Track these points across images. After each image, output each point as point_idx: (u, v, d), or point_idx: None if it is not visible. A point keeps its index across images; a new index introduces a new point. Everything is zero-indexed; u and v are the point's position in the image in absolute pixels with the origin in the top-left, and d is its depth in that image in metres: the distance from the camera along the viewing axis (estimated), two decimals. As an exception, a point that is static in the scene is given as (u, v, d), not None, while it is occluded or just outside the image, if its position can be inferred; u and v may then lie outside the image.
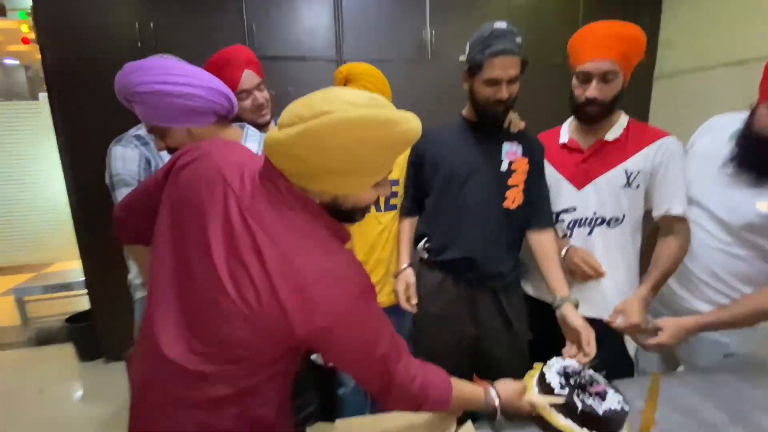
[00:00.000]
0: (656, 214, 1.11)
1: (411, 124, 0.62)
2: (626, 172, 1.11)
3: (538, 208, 1.19)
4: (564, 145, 1.21)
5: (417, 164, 1.26)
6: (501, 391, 0.79)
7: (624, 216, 1.13)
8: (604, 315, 1.06)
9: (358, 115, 0.57)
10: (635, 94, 2.73)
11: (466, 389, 0.77)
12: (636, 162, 1.10)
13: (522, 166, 1.15)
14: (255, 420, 0.67)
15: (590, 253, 1.15)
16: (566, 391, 0.79)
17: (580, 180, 1.16)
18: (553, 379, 0.82)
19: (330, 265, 0.62)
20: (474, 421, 0.80)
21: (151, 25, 2.06)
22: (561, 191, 1.20)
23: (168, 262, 0.67)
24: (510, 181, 1.15)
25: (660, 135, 1.12)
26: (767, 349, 1.09)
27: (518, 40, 1.03)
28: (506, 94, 1.06)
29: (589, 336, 0.96)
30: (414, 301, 1.21)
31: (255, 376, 0.65)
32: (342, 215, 0.68)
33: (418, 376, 0.69)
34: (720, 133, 1.11)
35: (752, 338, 1.07)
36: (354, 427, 0.82)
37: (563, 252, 1.18)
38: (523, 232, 1.21)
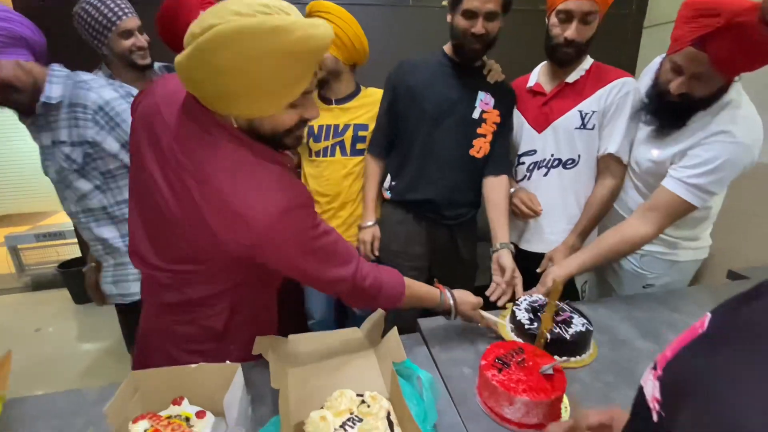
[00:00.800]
0: (598, 154, 1.15)
1: (312, 30, 0.54)
2: (581, 113, 1.12)
3: (496, 156, 1.22)
4: (530, 89, 1.22)
5: (392, 96, 1.26)
6: (457, 295, 0.87)
7: (579, 156, 1.15)
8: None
9: (239, 26, 0.51)
10: (624, 42, 2.67)
11: (421, 288, 0.84)
12: (590, 103, 1.12)
13: (492, 118, 1.17)
14: (207, 329, 0.75)
15: (531, 195, 1.20)
16: (535, 325, 0.86)
17: (540, 123, 1.18)
18: (523, 316, 0.89)
19: (254, 183, 0.61)
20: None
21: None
22: (522, 134, 1.22)
23: (132, 183, 0.74)
24: (479, 130, 1.17)
25: (618, 76, 1.12)
26: (680, 283, 1.19)
27: None
28: (482, 28, 1.05)
29: (513, 276, 1.03)
30: (377, 253, 1.29)
31: (205, 288, 0.70)
32: (268, 141, 0.65)
33: (370, 274, 0.73)
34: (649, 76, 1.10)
35: (668, 271, 1.15)
36: (302, 341, 0.90)
37: (510, 192, 1.23)
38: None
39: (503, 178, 1.21)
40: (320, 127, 1.34)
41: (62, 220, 3.11)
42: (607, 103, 1.10)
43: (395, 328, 0.78)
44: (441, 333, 0.93)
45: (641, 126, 1.10)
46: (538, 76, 1.22)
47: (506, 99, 1.20)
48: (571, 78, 1.15)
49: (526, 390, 0.65)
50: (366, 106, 1.38)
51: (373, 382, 0.75)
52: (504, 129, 1.21)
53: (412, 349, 0.87)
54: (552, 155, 1.18)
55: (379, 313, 0.88)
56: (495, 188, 1.20)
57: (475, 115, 1.17)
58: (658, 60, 1.12)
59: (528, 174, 1.23)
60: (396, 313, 0.93)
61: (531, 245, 1.25)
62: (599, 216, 1.17)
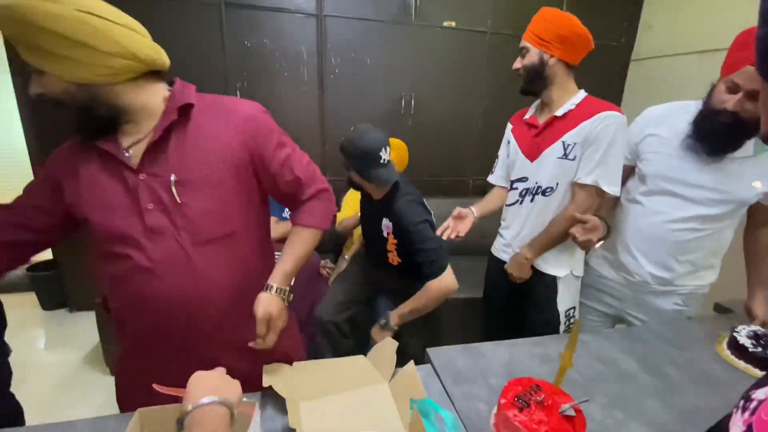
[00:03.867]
0: (573, 180, 1.18)
1: None
2: (564, 144, 1.17)
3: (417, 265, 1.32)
4: (525, 121, 1.30)
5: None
6: None
7: (557, 184, 1.20)
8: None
9: None
10: (612, 74, 2.79)
11: None
12: (573, 134, 1.15)
13: (392, 239, 1.41)
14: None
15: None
16: (759, 348, 0.99)
17: (532, 153, 1.25)
18: (746, 341, 1.02)
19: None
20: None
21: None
22: (517, 162, 1.30)
23: None
24: (388, 246, 1.44)
25: (603, 109, 1.13)
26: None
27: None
28: None
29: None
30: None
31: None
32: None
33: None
34: (677, 121, 1.13)
35: (698, 304, 1.22)
36: (310, 369, 0.88)
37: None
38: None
39: (428, 284, 1.32)
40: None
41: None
42: (589, 134, 1.13)
43: (412, 362, 0.77)
44: (451, 364, 0.92)
45: (682, 155, 1.11)
46: (534, 109, 1.31)
47: (400, 223, 1.33)
48: (560, 111, 1.19)
49: None
50: None
51: (391, 422, 0.74)
52: (405, 245, 1.37)
53: (425, 381, 0.86)
54: (536, 183, 1.24)
55: (390, 343, 0.87)
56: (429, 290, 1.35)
57: (384, 234, 1.44)
58: (657, 109, 1.22)
59: (520, 199, 1.30)
60: (402, 342, 0.92)
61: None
62: (555, 234, 1.20)
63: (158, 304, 0.77)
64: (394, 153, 1.98)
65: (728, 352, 1.03)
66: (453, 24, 2.37)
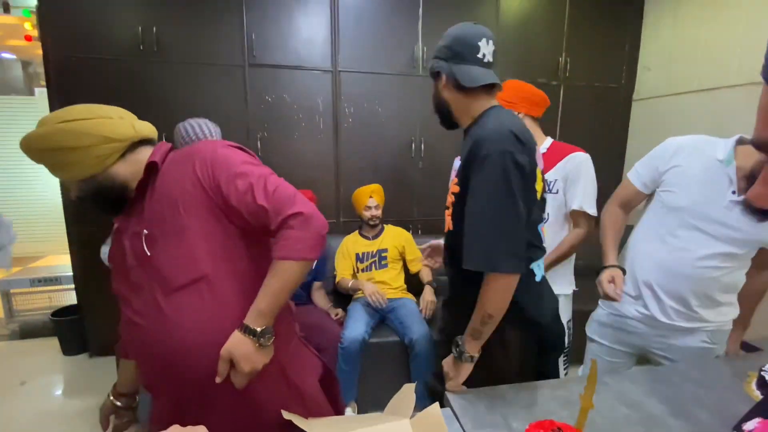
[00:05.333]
0: (566, 211, 1.47)
1: None
2: (545, 181, 1.32)
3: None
4: None
5: None
6: None
7: (548, 215, 1.46)
8: None
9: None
10: (615, 114, 2.88)
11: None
12: (551, 174, 1.46)
13: (454, 183, 1.00)
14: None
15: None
16: None
17: None
18: None
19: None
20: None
21: (154, 29, 2.14)
22: None
23: None
24: (448, 200, 1.03)
25: (571, 151, 1.46)
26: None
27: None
28: None
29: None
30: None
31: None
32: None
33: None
34: (705, 155, 1.13)
35: (723, 342, 1.21)
36: (324, 425, 0.88)
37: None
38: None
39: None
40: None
41: (55, 263, 3.04)
42: (566, 171, 1.44)
43: (437, 403, 0.78)
44: (471, 407, 0.92)
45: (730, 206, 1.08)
46: None
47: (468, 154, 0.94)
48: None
49: (573, 477, 0.64)
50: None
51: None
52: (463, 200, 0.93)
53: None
54: None
55: (408, 388, 0.88)
56: None
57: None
58: (680, 140, 1.21)
59: None
60: (418, 384, 0.93)
61: None
62: (565, 255, 1.46)
63: (145, 355, 0.83)
64: (377, 196, 2.23)
65: (758, 392, 1.00)
66: (459, 74, 2.52)
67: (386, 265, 2.21)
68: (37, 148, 0.76)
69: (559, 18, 2.67)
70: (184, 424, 0.66)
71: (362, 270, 2.21)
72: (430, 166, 2.60)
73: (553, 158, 1.46)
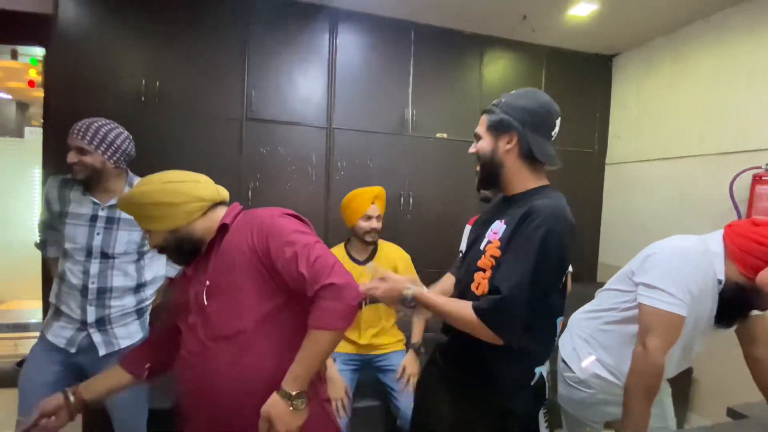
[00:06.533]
0: None
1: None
2: None
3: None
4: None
5: None
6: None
7: None
8: None
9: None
10: (590, 177, 3.08)
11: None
12: None
13: (494, 245, 0.94)
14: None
15: None
16: None
17: None
18: None
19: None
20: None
21: (157, 82, 2.25)
22: None
23: None
24: (481, 261, 0.96)
25: None
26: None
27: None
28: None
29: None
30: None
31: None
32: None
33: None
34: (708, 278, 1.10)
35: None
36: None
37: None
38: None
39: None
40: None
41: (21, 306, 2.89)
42: None
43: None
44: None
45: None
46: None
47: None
48: None
49: None
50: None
51: None
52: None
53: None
54: None
55: None
56: None
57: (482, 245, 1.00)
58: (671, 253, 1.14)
59: None
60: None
61: None
62: None
63: (187, 388, 0.94)
64: (380, 203, 1.83)
65: None
66: (445, 135, 2.70)
67: (377, 301, 1.78)
68: (140, 202, 0.90)
69: (535, 85, 2.90)
70: None
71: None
72: (417, 219, 2.68)
73: None
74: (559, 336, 1.41)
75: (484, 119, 1.00)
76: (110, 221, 1.40)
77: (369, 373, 1.87)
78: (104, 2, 2.19)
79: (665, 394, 1.28)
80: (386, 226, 2.47)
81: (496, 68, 2.85)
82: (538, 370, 0.97)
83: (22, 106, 5.76)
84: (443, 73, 2.73)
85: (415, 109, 2.65)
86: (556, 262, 0.86)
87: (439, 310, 0.95)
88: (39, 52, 2.55)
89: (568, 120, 2.99)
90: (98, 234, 1.38)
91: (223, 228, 0.95)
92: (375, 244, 1.79)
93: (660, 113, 2.70)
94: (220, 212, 0.98)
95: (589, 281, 2.99)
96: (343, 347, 1.82)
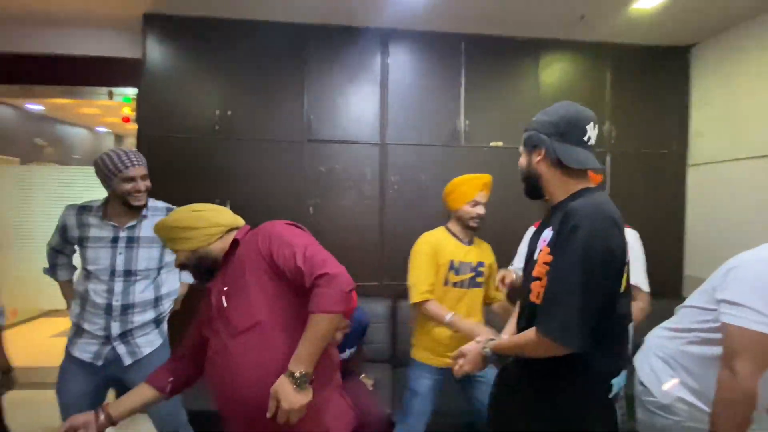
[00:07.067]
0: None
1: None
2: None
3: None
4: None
5: None
6: None
7: None
8: None
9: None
10: (669, 180, 2.79)
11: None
12: None
13: (545, 252, 0.96)
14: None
15: None
16: None
17: None
18: None
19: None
20: None
21: (228, 112, 2.48)
22: None
23: None
24: (536, 269, 0.98)
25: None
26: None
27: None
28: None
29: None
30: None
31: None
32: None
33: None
34: None
35: None
36: None
37: None
38: None
39: None
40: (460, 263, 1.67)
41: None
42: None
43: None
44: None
45: None
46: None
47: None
48: None
49: None
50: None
51: None
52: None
53: None
54: None
55: None
56: None
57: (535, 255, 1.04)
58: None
59: None
60: None
61: None
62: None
63: (218, 385, 1.05)
64: (488, 191, 1.75)
65: None
66: (500, 144, 2.62)
67: (480, 285, 1.67)
68: (171, 226, 1.09)
69: (599, 85, 2.75)
70: None
71: (453, 284, 1.62)
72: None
73: None
74: (632, 353, 1.30)
75: (523, 137, 1.09)
76: (131, 240, 1.54)
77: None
78: (182, 46, 2.49)
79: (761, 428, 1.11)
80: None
81: (554, 71, 2.73)
82: (615, 382, 0.94)
83: (118, 137, 6.64)
84: (496, 81, 2.68)
85: (468, 120, 2.62)
86: (601, 258, 0.85)
87: (513, 351, 1.02)
88: (131, 91, 2.92)
89: (641, 120, 2.80)
90: (120, 254, 1.51)
91: (234, 243, 1.11)
92: (476, 230, 1.75)
93: (749, 106, 2.38)
94: (232, 235, 1.14)
95: (673, 296, 2.68)
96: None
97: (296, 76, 2.53)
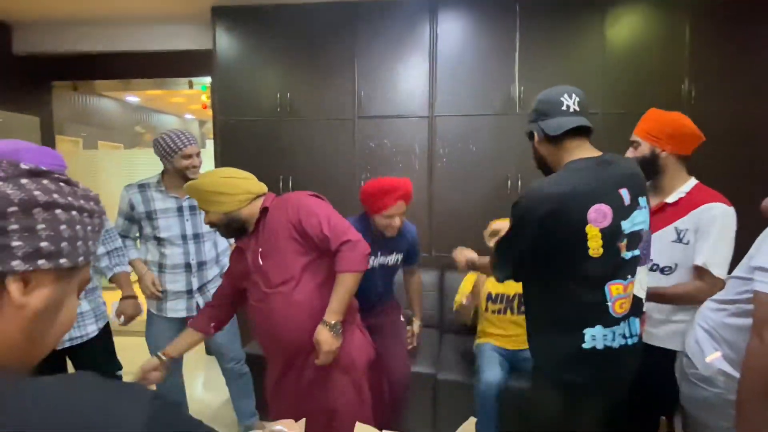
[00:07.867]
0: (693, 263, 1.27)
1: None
2: (677, 229, 1.30)
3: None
4: None
5: None
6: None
7: (676, 265, 1.31)
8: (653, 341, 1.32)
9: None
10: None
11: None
12: (685, 221, 1.29)
13: None
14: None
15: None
16: None
17: None
18: None
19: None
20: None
21: (288, 95, 2.67)
22: None
23: None
24: None
25: (710, 200, 1.27)
26: None
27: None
28: None
29: None
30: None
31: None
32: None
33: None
34: None
35: None
36: None
37: None
38: None
39: None
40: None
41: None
42: (699, 223, 1.26)
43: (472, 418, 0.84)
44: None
45: None
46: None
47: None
48: (671, 198, 1.33)
49: None
50: None
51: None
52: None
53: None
54: (652, 260, 1.28)
55: (470, 422, 0.94)
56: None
57: None
58: None
59: None
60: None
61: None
62: (677, 296, 1.28)
63: (260, 329, 1.31)
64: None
65: None
66: (557, 110, 2.48)
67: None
68: (203, 189, 1.24)
69: (678, 40, 2.44)
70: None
71: (493, 312, 1.92)
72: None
73: (689, 205, 1.29)
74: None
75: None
76: (193, 209, 1.80)
77: (513, 365, 1.88)
78: (246, 34, 2.71)
79: None
80: (491, 210, 2.40)
81: (623, 29, 2.47)
82: (589, 332, 1.03)
83: (202, 123, 7.37)
84: (556, 42, 2.51)
85: (523, 86, 2.51)
86: (517, 225, 1.07)
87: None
88: (207, 80, 3.26)
89: (728, 80, 2.43)
90: (187, 221, 1.78)
91: (264, 210, 1.28)
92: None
93: None
94: (259, 202, 1.29)
95: None
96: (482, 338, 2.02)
97: (347, 54, 2.62)
